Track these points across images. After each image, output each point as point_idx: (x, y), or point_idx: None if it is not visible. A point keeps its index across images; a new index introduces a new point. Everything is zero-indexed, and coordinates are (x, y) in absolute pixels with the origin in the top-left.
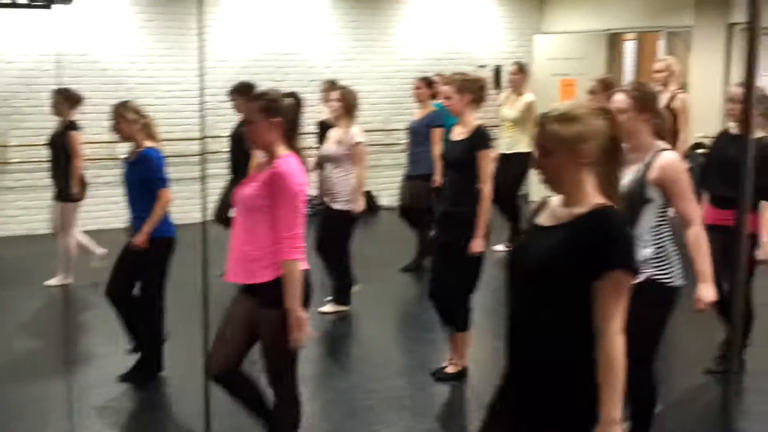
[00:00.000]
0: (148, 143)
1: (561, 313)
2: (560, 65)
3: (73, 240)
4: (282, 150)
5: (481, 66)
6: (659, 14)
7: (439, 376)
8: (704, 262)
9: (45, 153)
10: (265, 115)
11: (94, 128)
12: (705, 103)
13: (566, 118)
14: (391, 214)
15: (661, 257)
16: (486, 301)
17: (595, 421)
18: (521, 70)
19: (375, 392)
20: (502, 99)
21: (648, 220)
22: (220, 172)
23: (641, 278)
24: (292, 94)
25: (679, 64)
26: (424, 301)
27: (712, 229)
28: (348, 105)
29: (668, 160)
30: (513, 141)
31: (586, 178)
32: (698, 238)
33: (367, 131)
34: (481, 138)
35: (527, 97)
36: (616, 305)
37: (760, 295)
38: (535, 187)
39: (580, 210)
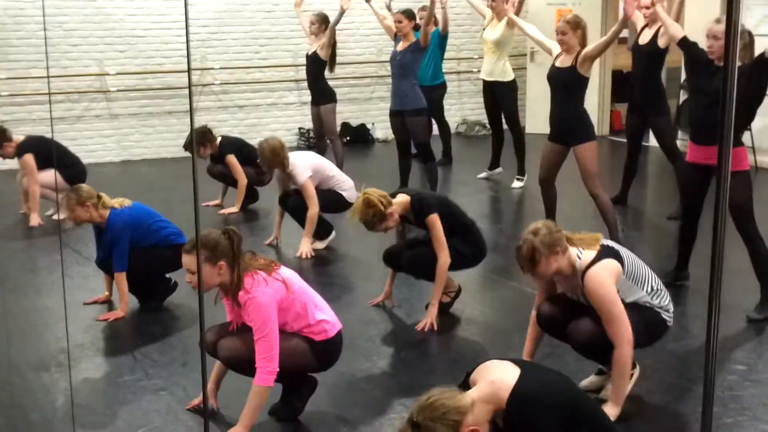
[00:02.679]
0: (105, 212)
1: None
2: None
3: (37, 188)
4: None
5: None
6: None
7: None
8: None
9: (35, 86)
10: None
11: (83, 60)
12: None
13: None
14: (386, 146)
15: None
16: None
17: None
18: None
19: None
20: (485, 23)
21: None
22: (211, 105)
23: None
24: None
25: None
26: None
27: (694, 168)
28: (271, 158)
29: None
30: (494, 68)
31: None
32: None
33: (360, 63)
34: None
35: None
36: None
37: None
38: (531, 118)
39: None
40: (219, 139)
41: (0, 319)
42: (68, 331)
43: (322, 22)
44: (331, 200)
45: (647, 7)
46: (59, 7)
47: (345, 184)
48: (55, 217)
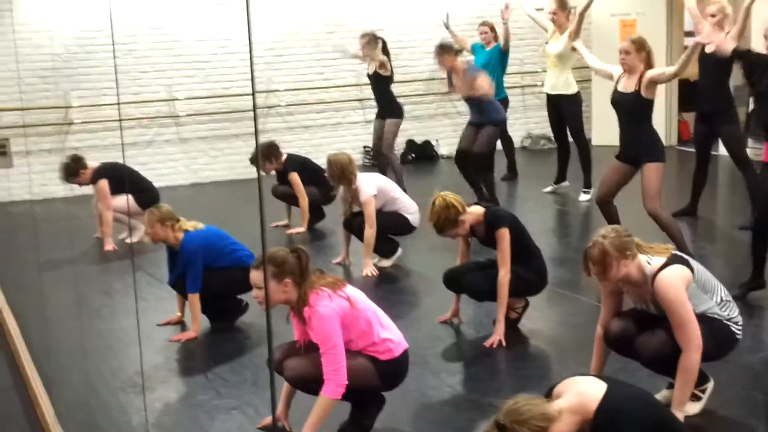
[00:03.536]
0: (180, 235)
1: None
2: (620, 4)
3: (110, 213)
4: None
5: (538, 9)
6: None
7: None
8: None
9: (107, 113)
10: None
11: (152, 86)
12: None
13: None
14: (451, 162)
15: None
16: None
17: None
18: (561, 7)
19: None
20: (548, 36)
21: None
22: (278, 126)
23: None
24: None
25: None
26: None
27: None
28: (339, 173)
29: None
30: (557, 81)
31: None
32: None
33: (423, 80)
34: None
35: (569, 31)
36: None
37: None
38: (597, 130)
39: None
40: (285, 156)
41: (78, 341)
42: (142, 353)
43: (371, 41)
44: (396, 222)
45: (713, 15)
46: (129, 35)
47: (410, 208)
48: (128, 240)
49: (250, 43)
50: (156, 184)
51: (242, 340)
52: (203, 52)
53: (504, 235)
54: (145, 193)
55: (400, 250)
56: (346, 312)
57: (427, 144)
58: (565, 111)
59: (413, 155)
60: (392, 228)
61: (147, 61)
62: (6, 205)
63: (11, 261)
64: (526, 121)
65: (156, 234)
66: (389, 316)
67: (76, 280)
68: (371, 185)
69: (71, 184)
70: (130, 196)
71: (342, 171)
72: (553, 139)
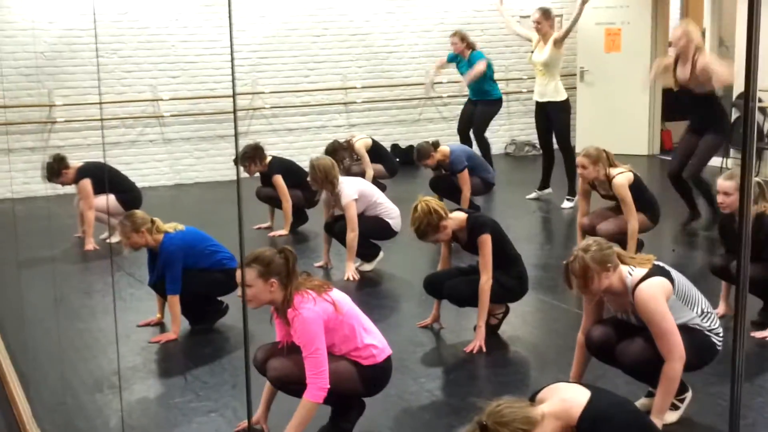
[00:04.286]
0: (159, 236)
1: None
2: (605, 14)
3: (92, 212)
4: None
5: (524, 17)
6: None
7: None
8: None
9: (91, 112)
10: None
11: (137, 87)
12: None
13: None
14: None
15: None
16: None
17: None
18: (545, 16)
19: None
20: (533, 45)
21: None
22: (262, 128)
23: None
24: None
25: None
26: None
27: None
28: (322, 177)
29: None
30: (545, 88)
31: None
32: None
33: (407, 85)
34: None
35: (554, 38)
36: None
37: None
38: (581, 137)
39: None
40: (269, 158)
41: (56, 340)
42: (121, 353)
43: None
44: (377, 227)
45: (677, 40)
46: (114, 35)
47: (392, 213)
48: (109, 240)
49: (231, 44)
50: (139, 185)
51: (222, 342)
52: (189, 53)
53: (486, 241)
54: (128, 194)
55: (381, 254)
56: (330, 316)
57: (410, 149)
58: (554, 118)
59: (397, 159)
60: (374, 232)
61: (132, 60)
62: None
63: None
64: (510, 128)
65: (134, 243)
66: (369, 320)
67: (56, 279)
68: (353, 189)
69: (53, 184)
70: (112, 196)
71: (325, 175)
72: (537, 145)
